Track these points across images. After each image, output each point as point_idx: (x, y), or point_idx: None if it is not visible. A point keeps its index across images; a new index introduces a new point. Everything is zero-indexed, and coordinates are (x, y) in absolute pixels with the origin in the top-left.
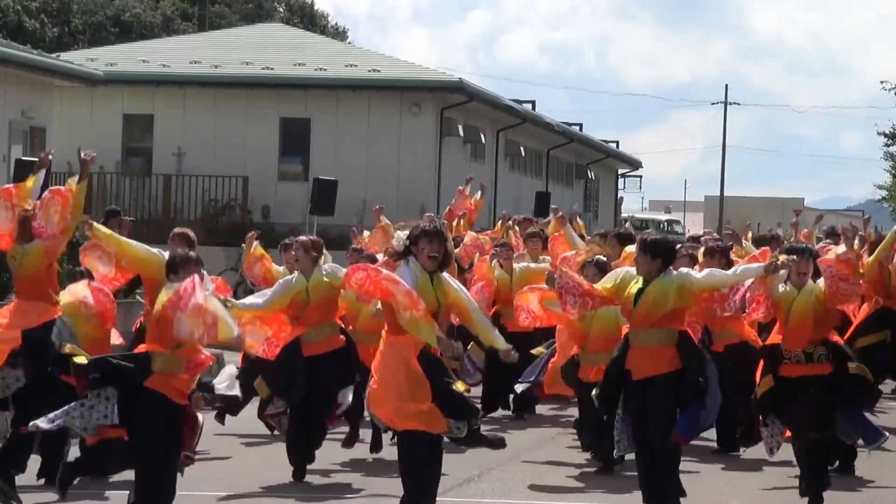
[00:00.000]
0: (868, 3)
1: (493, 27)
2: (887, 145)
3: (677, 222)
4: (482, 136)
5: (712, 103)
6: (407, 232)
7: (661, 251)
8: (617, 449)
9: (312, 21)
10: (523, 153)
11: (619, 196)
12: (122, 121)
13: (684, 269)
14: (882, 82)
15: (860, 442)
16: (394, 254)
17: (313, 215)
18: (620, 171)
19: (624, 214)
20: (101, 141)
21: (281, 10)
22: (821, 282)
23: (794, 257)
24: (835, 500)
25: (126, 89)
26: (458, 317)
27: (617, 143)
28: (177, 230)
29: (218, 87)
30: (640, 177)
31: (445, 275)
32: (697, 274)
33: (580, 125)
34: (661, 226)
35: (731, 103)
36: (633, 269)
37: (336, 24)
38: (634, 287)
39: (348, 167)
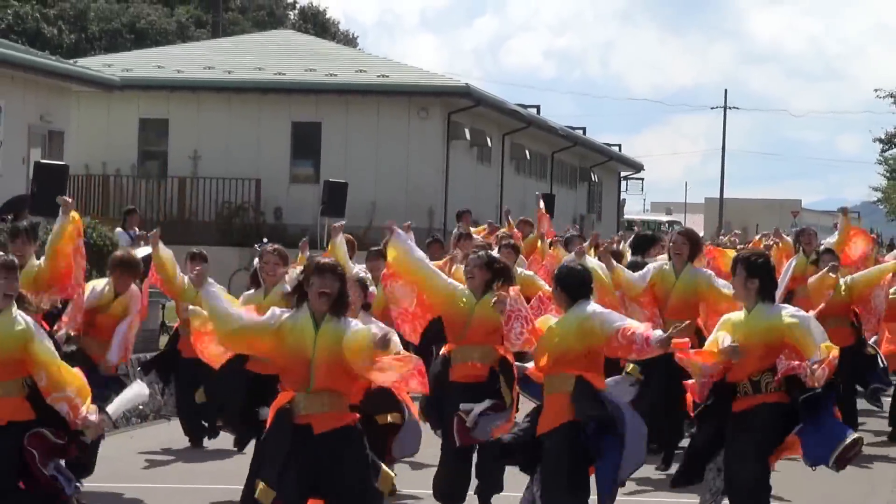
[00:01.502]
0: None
1: (499, 33)
2: (882, 150)
3: (678, 223)
4: (488, 139)
5: (712, 107)
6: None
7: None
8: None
9: (323, 28)
10: (528, 156)
11: (621, 198)
12: (137, 125)
13: (595, 307)
14: (876, 90)
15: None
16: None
17: (324, 217)
18: (623, 174)
19: (627, 216)
20: (117, 144)
21: (292, 17)
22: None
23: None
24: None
25: (142, 94)
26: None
27: (619, 146)
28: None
29: (231, 92)
30: (642, 179)
31: (352, 322)
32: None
33: (584, 129)
34: (663, 226)
35: (730, 107)
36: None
37: (346, 30)
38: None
39: (358, 170)
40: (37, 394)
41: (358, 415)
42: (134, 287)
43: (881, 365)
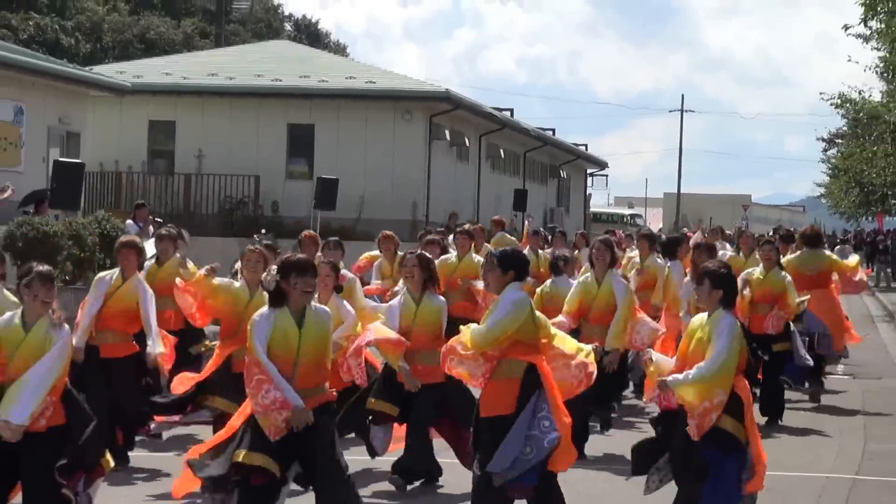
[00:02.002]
0: (808, 22)
1: (476, 43)
2: (825, 149)
3: (639, 216)
4: (466, 140)
5: (670, 111)
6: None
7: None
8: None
9: (316, 38)
10: (503, 155)
11: (587, 193)
12: (147, 126)
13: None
14: (821, 93)
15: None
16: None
17: (317, 210)
18: (589, 171)
19: (592, 209)
20: (128, 144)
21: (288, 28)
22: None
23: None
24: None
25: (151, 98)
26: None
27: (586, 146)
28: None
29: (232, 96)
30: (607, 176)
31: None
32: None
33: (553, 130)
34: (625, 219)
35: (687, 111)
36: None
37: (337, 40)
38: None
39: (348, 167)
40: (69, 397)
41: (334, 393)
42: (139, 273)
43: (798, 358)
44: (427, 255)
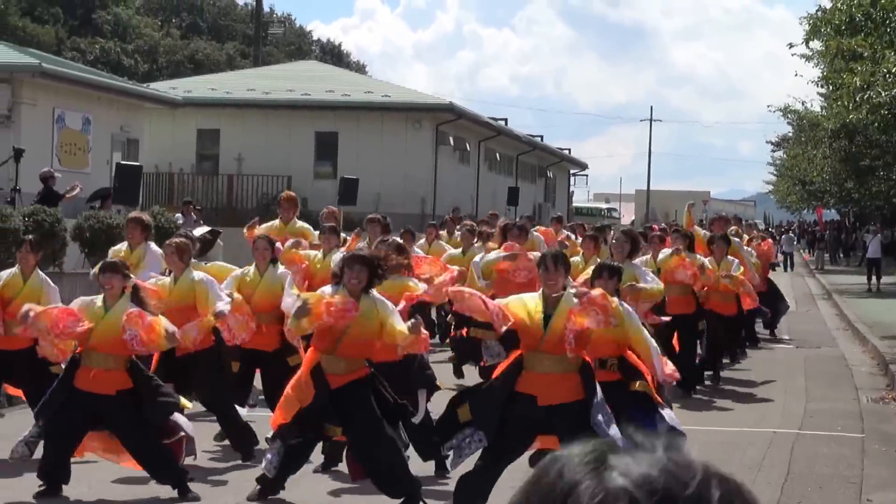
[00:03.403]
0: (759, 44)
1: (476, 63)
2: (773, 151)
3: (614, 209)
4: (468, 145)
5: (641, 119)
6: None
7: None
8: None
9: (339, 58)
10: (499, 158)
11: (570, 190)
12: (195, 134)
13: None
14: (768, 106)
15: None
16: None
17: (341, 205)
18: (572, 171)
19: (575, 204)
20: (179, 149)
21: (316, 50)
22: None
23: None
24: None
25: (199, 110)
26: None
27: (569, 150)
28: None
29: (268, 108)
30: (587, 175)
31: (378, 298)
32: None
33: (541, 136)
34: (603, 212)
35: (655, 120)
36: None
37: (357, 60)
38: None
39: (367, 168)
40: (135, 367)
41: (369, 369)
42: (151, 244)
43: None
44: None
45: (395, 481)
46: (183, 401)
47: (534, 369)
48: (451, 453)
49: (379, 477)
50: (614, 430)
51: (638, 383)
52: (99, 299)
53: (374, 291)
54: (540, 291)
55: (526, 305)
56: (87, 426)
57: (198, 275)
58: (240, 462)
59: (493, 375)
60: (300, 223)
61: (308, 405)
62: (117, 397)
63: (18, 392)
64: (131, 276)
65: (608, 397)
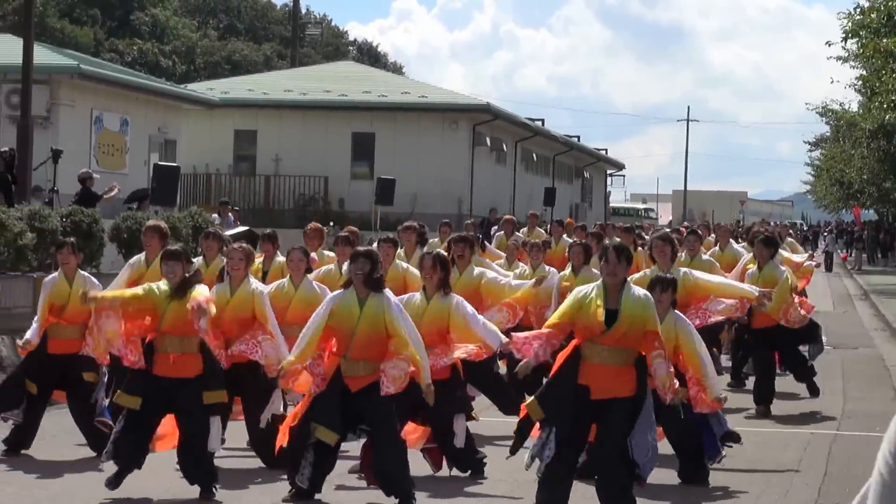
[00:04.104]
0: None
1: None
2: (810, 151)
3: (651, 210)
4: (504, 145)
5: (678, 120)
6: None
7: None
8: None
9: (376, 59)
10: (535, 158)
11: (607, 191)
12: (233, 135)
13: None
14: (806, 104)
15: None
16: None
17: (377, 205)
18: (609, 172)
19: (611, 204)
20: (217, 150)
21: (352, 51)
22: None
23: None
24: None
25: (236, 111)
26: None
27: (606, 150)
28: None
29: (305, 109)
30: (624, 176)
31: (392, 300)
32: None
33: (578, 137)
34: (640, 212)
35: (692, 120)
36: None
37: (394, 61)
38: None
39: (403, 169)
40: (206, 350)
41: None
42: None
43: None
44: (445, 255)
45: (397, 481)
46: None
47: (592, 360)
48: (535, 462)
49: (383, 476)
50: (650, 438)
51: (669, 398)
52: (163, 283)
53: (388, 291)
54: (600, 282)
55: (583, 299)
56: (164, 413)
57: (256, 284)
58: None
59: (554, 368)
60: (327, 253)
61: (318, 394)
62: (194, 381)
63: (61, 395)
64: (192, 260)
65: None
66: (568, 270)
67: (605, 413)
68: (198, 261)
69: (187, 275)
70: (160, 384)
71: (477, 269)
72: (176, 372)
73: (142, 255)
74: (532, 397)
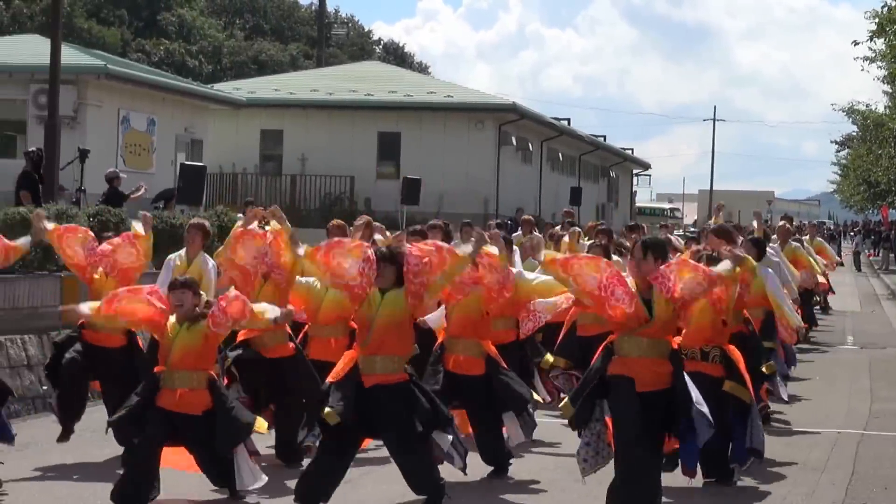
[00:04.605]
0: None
1: (539, 63)
2: (837, 150)
3: (677, 209)
4: (530, 145)
5: (704, 119)
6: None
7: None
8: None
9: (402, 59)
10: (561, 158)
11: (633, 190)
12: (259, 134)
13: None
14: (832, 104)
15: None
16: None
17: (403, 205)
18: (634, 171)
19: (637, 204)
20: (243, 149)
21: (378, 50)
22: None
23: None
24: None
25: (262, 111)
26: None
27: (632, 149)
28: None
29: (331, 109)
30: (650, 175)
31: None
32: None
33: (604, 136)
34: (666, 212)
35: (718, 120)
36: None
37: (420, 61)
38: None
39: (429, 169)
40: (214, 386)
41: (407, 376)
42: (205, 255)
43: None
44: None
45: (424, 482)
46: (259, 422)
47: (629, 354)
48: (584, 466)
49: (409, 477)
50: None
51: (729, 385)
52: (172, 317)
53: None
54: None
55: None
56: (164, 443)
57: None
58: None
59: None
60: None
61: (336, 381)
62: (203, 418)
63: (95, 384)
64: (202, 293)
65: (706, 395)
66: None
67: (646, 407)
68: (175, 256)
69: (198, 309)
70: (163, 416)
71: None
72: (182, 408)
73: (181, 252)
74: (566, 398)
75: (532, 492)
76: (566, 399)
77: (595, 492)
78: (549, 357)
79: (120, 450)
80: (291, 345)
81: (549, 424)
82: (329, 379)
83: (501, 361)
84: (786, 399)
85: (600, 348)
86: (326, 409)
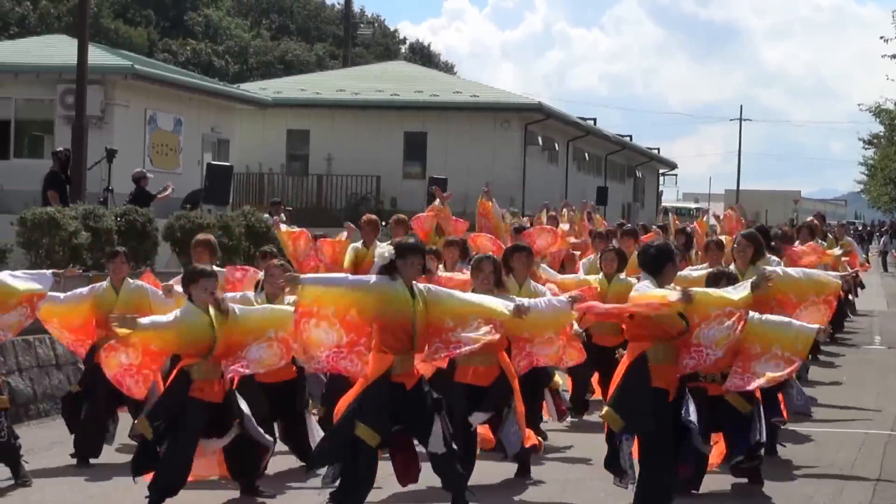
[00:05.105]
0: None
1: (565, 62)
2: (865, 148)
3: (704, 210)
4: (556, 145)
5: (731, 119)
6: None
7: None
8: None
9: (428, 59)
10: (587, 158)
11: (659, 190)
12: (285, 134)
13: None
14: (859, 104)
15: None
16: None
17: (430, 204)
18: (661, 171)
19: (663, 204)
20: (269, 149)
21: (404, 50)
22: None
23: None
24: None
25: (289, 111)
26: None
27: (658, 149)
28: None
29: (357, 109)
30: (676, 175)
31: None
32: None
33: (630, 136)
34: (692, 212)
35: (745, 119)
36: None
37: (446, 61)
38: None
39: (455, 168)
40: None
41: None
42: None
43: None
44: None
45: (448, 470)
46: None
47: (663, 362)
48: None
49: (436, 465)
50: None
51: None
52: (200, 315)
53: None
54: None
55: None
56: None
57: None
58: None
59: (616, 378)
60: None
61: (367, 388)
62: (225, 403)
63: (123, 408)
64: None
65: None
66: (601, 276)
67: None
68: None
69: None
70: (200, 408)
71: (534, 283)
72: (213, 397)
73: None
74: (607, 406)
75: (554, 492)
76: (609, 409)
77: (620, 491)
78: (558, 378)
79: None
80: (294, 367)
81: (560, 434)
82: (353, 396)
83: (512, 367)
84: (809, 413)
85: (631, 358)
86: (361, 427)
